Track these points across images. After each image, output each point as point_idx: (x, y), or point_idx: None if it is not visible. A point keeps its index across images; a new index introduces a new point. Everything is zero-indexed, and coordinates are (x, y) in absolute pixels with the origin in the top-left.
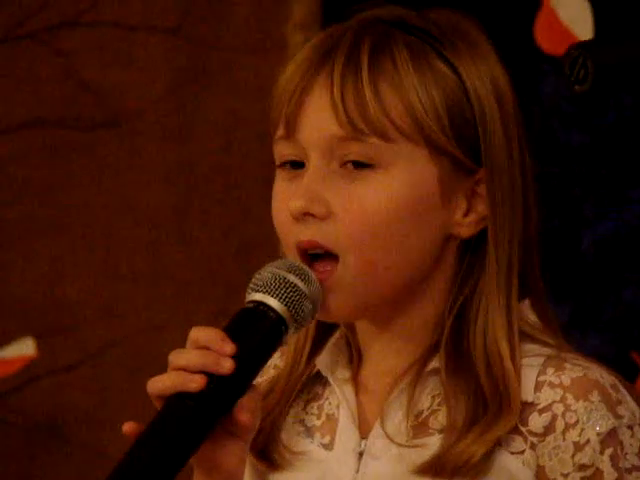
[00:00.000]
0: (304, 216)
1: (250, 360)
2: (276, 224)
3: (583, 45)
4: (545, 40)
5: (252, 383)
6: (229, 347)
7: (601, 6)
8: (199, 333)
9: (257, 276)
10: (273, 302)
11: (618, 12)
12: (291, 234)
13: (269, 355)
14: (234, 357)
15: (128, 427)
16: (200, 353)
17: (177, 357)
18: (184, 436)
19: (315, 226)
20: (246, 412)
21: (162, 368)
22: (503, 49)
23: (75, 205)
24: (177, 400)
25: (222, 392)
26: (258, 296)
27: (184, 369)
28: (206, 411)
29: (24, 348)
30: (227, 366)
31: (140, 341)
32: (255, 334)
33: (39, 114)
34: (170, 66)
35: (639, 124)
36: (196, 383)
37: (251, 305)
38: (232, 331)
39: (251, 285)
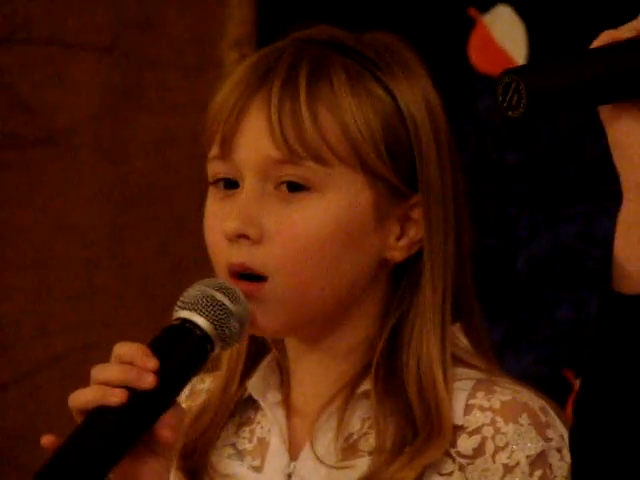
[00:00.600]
0: (238, 238)
1: (173, 377)
2: (208, 243)
3: (516, 70)
4: (479, 59)
5: (175, 400)
6: (152, 363)
7: (535, 25)
8: (123, 348)
9: (185, 294)
10: (199, 320)
11: (552, 31)
12: (223, 254)
13: (193, 372)
14: (157, 373)
15: (46, 440)
16: (122, 368)
17: (99, 372)
18: (103, 450)
19: (248, 249)
20: (168, 428)
21: None
22: (437, 68)
23: (8, 223)
24: (97, 414)
25: (143, 407)
26: (185, 313)
27: (106, 383)
28: (126, 426)
29: None
30: (149, 381)
31: (74, 360)
32: (180, 351)
33: None
34: (105, 84)
35: (574, 142)
36: (117, 397)
37: (177, 322)
38: (156, 347)
39: (179, 302)
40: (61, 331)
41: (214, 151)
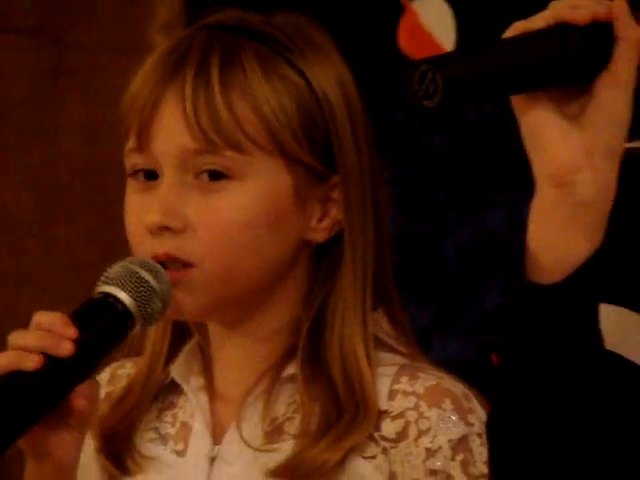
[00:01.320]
0: (161, 230)
1: (92, 348)
2: (130, 237)
3: (432, 60)
4: (408, 46)
5: (92, 373)
6: (71, 331)
7: (464, 11)
8: (42, 317)
9: (109, 269)
10: (122, 295)
11: (480, 17)
12: (146, 246)
13: (112, 347)
14: (76, 342)
15: None
16: (40, 334)
17: (17, 337)
18: (14, 415)
19: (171, 240)
20: (82, 398)
21: None
22: (367, 54)
23: None
24: (11, 378)
25: (59, 375)
26: (108, 288)
27: (23, 349)
28: (40, 392)
29: None
30: (67, 348)
31: (2, 345)
32: (100, 324)
33: None
34: (33, 67)
35: (501, 129)
36: (33, 362)
37: (100, 296)
38: (77, 318)
39: (102, 277)
40: None
41: (131, 143)
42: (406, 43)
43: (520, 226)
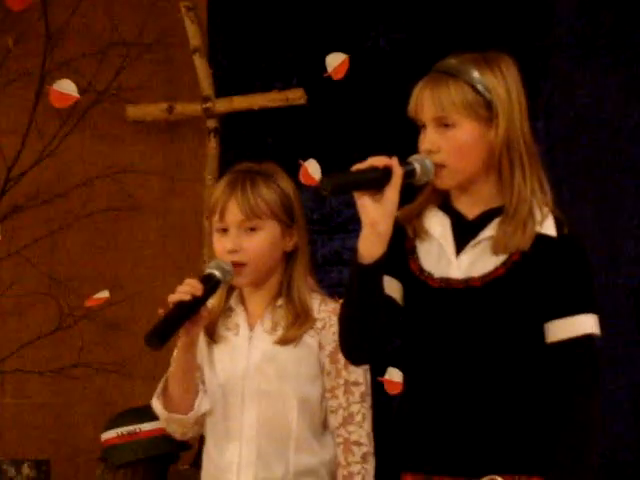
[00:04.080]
0: (231, 251)
1: (208, 292)
2: (217, 253)
3: (326, 176)
4: (303, 178)
5: (206, 303)
6: (200, 286)
7: (325, 166)
8: (189, 280)
9: (210, 263)
10: (217, 273)
11: (332, 169)
12: (225, 257)
13: (214, 293)
14: (203, 289)
15: (160, 310)
16: (189, 286)
17: (179, 288)
18: (180, 316)
19: (235, 255)
20: (206, 311)
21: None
22: (297, 184)
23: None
24: (180, 303)
25: (197, 302)
26: (210, 270)
27: (182, 292)
28: (190, 308)
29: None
30: (200, 292)
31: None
32: (210, 283)
33: None
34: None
35: (337, 209)
36: (188, 297)
37: (207, 273)
38: (201, 280)
39: (207, 266)
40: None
41: (217, 218)
42: (303, 178)
43: (347, 248)
